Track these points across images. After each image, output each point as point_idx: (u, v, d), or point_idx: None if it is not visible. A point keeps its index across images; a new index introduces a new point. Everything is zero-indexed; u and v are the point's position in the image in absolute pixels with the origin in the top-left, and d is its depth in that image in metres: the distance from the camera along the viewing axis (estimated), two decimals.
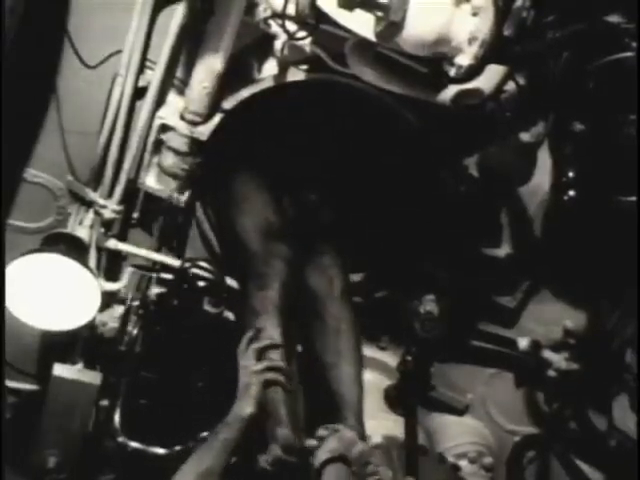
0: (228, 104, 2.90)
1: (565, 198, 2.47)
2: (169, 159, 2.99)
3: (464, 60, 2.19)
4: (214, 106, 2.87)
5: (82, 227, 3.15)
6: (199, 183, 3.16)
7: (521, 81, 2.56)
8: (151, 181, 3.07)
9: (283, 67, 2.85)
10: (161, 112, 2.91)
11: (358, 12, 2.18)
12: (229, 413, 2.41)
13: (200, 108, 2.84)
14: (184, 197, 3.10)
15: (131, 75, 2.83)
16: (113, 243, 3.20)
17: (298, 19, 2.43)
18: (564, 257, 3.19)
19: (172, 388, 3.56)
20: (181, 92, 2.90)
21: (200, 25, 2.69)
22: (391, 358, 3.55)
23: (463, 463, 3.67)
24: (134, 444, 3.31)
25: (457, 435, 3.74)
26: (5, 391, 3.63)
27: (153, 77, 2.83)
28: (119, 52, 2.81)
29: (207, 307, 3.35)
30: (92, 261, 3.13)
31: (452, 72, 2.24)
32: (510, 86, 2.60)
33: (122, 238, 3.26)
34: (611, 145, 2.35)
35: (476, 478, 3.68)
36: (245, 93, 2.89)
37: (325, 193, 3.34)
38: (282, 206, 3.20)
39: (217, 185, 3.24)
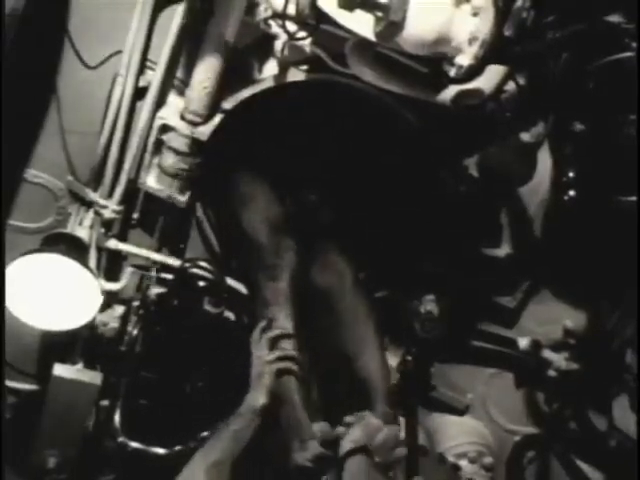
0: (228, 104, 2.90)
1: (565, 198, 2.47)
2: (169, 159, 2.99)
3: (464, 60, 2.19)
4: (214, 106, 2.87)
5: (82, 227, 3.16)
6: (199, 183, 3.16)
7: (521, 81, 2.56)
8: (151, 181, 3.07)
9: (283, 67, 2.85)
10: (161, 112, 2.91)
11: (358, 12, 2.18)
12: (242, 403, 2.40)
13: (200, 108, 2.84)
14: (184, 197, 3.10)
15: (131, 75, 2.83)
16: (113, 243, 3.20)
17: (298, 19, 2.43)
18: (564, 257, 3.19)
19: (172, 388, 3.56)
20: (181, 92, 2.90)
21: (200, 25, 2.70)
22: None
23: (463, 463, 3.67)
24: (134, 444, 3.31)
25: (457, 435, 3.74)
26: (5, 391, 3.63)
27: (153, 77, 2.84)
28: (119, 52, 2.82)
29: (207, 307, 3.35)
30: (92, 261, 3.13)
31: (452, 72, 2.25)
32: (510, 86, 2.60)
33: (122, 238, 3.26)
34: (611, 145, 2.35)
35: (476, 478, 3.68)
36: (245, 93, 2.89)
37: (325, 193, 3.35)
38: (285, 205, 3.21)
39: (219, 185, 3.24)
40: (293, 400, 2.47)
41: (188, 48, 2.79)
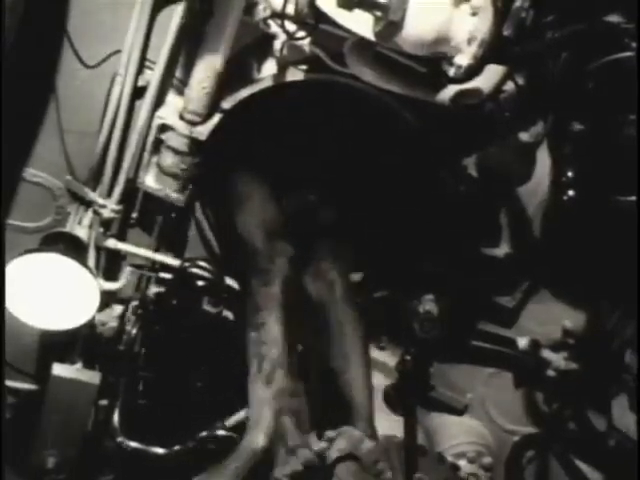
0: (227, 104, 2.90)
1: (565, 198, 2.46)
2: (168, 159, 2.99)
3: (463, 60, 2.19)
4: (213, 106, 2.87)
5: (81, 227, 3.15)
6: (198, 183, 3.15)
7: (520, 81, 2.56)
8: (150, 181, 3.07)
9: (282, 67, 2.85)
10: (160, 112, 2.91)
11: (357, 12, 2.18)
12: (240, 443, 2.45)
13: (199, 108, 2.84)
14: (183, 197, 3.10)
15: (130, 75, 2.83)
16: (112, 243, 3.20)
17: (297, 19, 2.43)
18: (564, 257, 3.18)
19: (171, 388, 3.56)
20: (180, 92, 2.90)
21: (199, 25, 2.70)
22: (390, 358, 3.55)
23: (462, 463, 3.67)
24: (133, 444, 3.32)
25: (456, 435, 3.74)
26: (5, 391, 3.63)
27: (152, 77, 2.84)
28: (118, 52, 2.82)
29: (206, 307, 3.35)
30: (91, 261, 3.13)
31: (451, 72, 2.24)
32: (509, 86, 2.60)
33: (121, 238, 3.26)
34: (611, 145, 2.34)
35: (476, 478, 3.68)
36: (244, 93, 2.89)
37: (325, 193, 3.34)
38: (282, 205, 3.21)
39: (217, 184, 3.24)
40: (290, 436, 2.49)
41: (187, 48, 2.79)
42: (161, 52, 2.78)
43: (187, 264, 3.26)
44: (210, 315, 3.34)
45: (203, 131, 2.91)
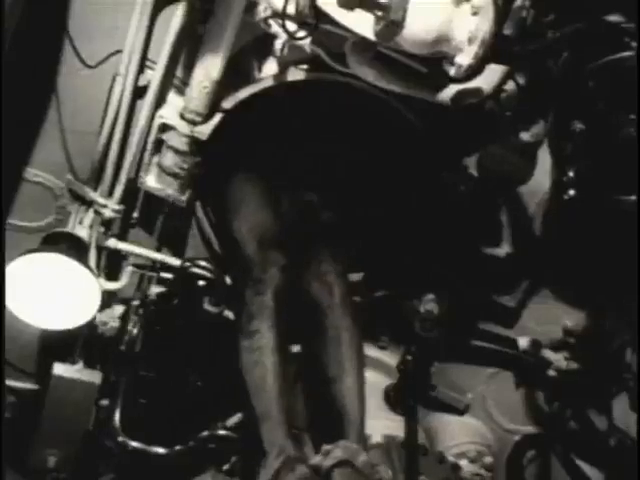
0: (228, 104, 2.90)
1: (565, 198, 2.46)
2: (169, 158, 2.99)
3: (464, 59, 2.19)
4: (214, 105, 2.87)
5: (82, 226, 3.15)
6: (199, 183, 3.15)
7: (521, 80, 2.56)
8: (151, 180, 3.07)
9: (283, 67, 2.85)
10: (161, 111, 2.91)
11: (358, 11, 2.18)
12: None
13: (200, 107, 2.84)
14: (184, 197, 3.10)
15: (131, 74, 2.83)
16: (113, 242, 3.20)
17: (298, 19, 2.42)
18: (564, 257, 3.18)
19: (172, 387, 3.56)
20: (181, 91, 2.90)
21: (200, 25, 2.70)
22: (391, 358, 3.55)
23: (463, 462, 3.67)
24: (134, 443, 3.31)
25: (457, 435, 3.74)
26: (5, 391, 3.63)
27: (153, 76, 2.83)
28: (119, 52, 2.81)
29: (207, 307, 3.35)
30: (92, 260, 3.12)
31: (452, 71, 2.25)
32: (510, 85, 2.59)
33: (122, 237, 3.26)
34: (611, 145, 2.35)
35: (480, 478, 3.68)
36: (245, 93, 2.89)
37: (325, 193, 3.34)
38: (279, 209, 3.20)
39: (215, 187, 3.24)
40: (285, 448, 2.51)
41: (188, 48, 2.79)
42: (162, 52, 2.77)
43: (188, 264, 3.26)
44: (211, 315, 3.34)
45: (204, 131, 2.91)
